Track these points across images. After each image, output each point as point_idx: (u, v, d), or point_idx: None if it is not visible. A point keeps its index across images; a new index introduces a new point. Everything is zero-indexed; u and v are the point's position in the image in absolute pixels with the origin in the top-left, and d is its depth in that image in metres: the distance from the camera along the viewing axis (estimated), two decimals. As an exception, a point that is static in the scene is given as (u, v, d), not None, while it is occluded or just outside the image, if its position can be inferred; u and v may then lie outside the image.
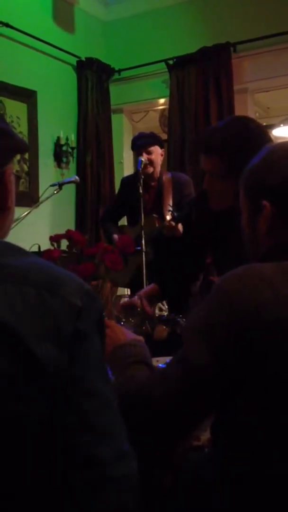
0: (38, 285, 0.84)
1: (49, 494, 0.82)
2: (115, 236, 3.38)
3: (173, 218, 2.76)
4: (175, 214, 2.73)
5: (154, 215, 3.47)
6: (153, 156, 3.46)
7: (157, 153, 3.49)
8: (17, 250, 0.91)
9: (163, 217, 3.40)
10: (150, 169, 3.46)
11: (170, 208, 3.05)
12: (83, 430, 0.83)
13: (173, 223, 2.78)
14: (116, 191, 5.00)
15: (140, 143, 3.47)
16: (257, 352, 0.94)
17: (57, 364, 0.81)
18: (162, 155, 3.55)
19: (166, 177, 3.57)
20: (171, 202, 3.44)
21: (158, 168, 3.52)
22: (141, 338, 1.34)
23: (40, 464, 0.82)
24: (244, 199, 1.17)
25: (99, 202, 4.86)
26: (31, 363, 0.79)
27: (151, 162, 3.45)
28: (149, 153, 3.45)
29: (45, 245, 2.27)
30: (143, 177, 3.16)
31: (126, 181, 3.78)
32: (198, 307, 1.03)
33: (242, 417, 0.99)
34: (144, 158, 3.38)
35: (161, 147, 3.53)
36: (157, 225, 3.40)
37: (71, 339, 0.83)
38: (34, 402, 0.80)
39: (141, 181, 3.11)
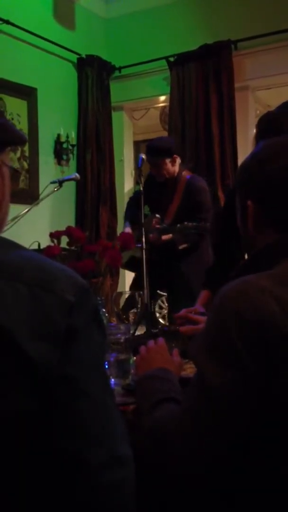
0: (31, 282, 0.82)
1: (42, 495, 0.81)
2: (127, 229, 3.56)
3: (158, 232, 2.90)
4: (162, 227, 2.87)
5: (157, 215, 3.52)
6: (161, 170, 3.55)
7: (165, 164, 3.55)
8: (8, 244, 0.90)
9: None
10: (160, 179, 3.57)
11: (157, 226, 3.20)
12: (73, 432, 0.81)
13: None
14: (117, 188, 5.02)
15: (148, 160, 3.52)
16: (273, 362, 0.90)
17: (49, 362, 0.79)
18: (174, 160, 3.59)
19: (183, 179, 3.64)
20: (176, 207, 3.58)
21: (172, 172, 3.59)
22: (174, 362, 1.32)
23: (34, 464, 0.81)
24: (237, 200, 1.16)
25: (99, 199, 4.86)
26: (23, 362, 0.78)
27: (159, 175, 3.55)
28: (157, 167, 3.54)
29: (45, 243, 2.26)
30: (143, 174, 3.16)
31: (148, 176, 3.85)
32: (202, 332, 0.99)
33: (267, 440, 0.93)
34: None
35: (171, 156, 3.56)
36: (154, 225, 3.49)
37: (65, 336, 0.81)
38: (27, 401, 0.78)
39: (141, 178, 3.11)
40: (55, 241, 2.18)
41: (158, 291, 4.00)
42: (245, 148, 4.42)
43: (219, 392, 0.92)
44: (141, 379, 1.22)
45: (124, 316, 1.76)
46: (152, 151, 3.54)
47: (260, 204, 1.08)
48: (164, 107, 5.47)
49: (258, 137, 1.90)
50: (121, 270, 3.95)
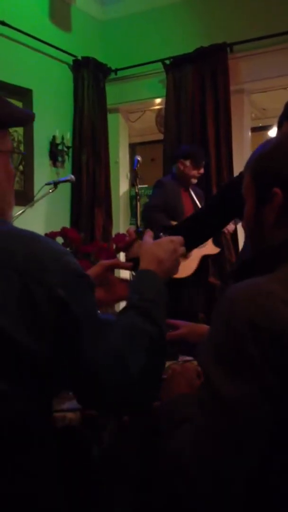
0: (21, 271, 0.82)
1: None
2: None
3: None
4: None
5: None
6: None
7: None
8: None
9: None
10: (195, 181, 3.94)
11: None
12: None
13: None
14: (112, 190, 5.01)
15: (202, 164, 3.95)
16: None
17: (48, 344, 0.80)
18: None
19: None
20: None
21: None
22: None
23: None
24: (250, 185, 1.08)
25: (95, 201, 4.85)
26: (15, 352, 0.78)
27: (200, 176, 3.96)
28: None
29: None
30: (139, 176, 3.15)
31: (167, 182, 3.98)
32: (209, 341, 0.93)
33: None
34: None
35: None
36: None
37: (58, 331, 0.82)
38: (29, 395, 0.79)
39: (137, 180, 3.11)
40: (50, 242, 2.17)
41: None
42: (240, 150, 4.43)
43: (236, 406, 0.86)
44: (163, 405, 1.14)
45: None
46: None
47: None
48: (159, 109, 5.47)
49: (284, 117, 1.85)
50: (116, 271, 3.95)
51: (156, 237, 1.21)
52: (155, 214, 3.83)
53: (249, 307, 0.88)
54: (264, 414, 0.85)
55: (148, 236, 1.21)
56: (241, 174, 1.19)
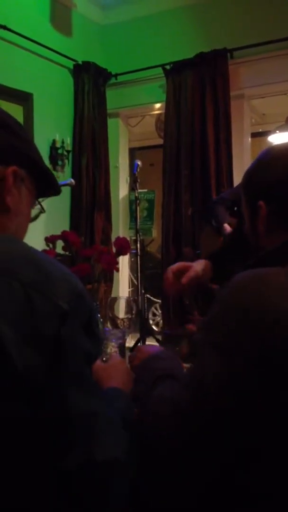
0: (25, 282, 0.80)
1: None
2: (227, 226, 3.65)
3: None
4: None
5: None
6: None
7: None
8: (4, 238, 0.90)
9: None
10: None
11: None
12: (52, 439, 0.80)
13: None
14: (112, 195, 5.01)
15: None
16: (280, 371, 0.86)
17: (33, 369, 0.77)
18: None
19: None
20: None
21: None
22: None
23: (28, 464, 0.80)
24: (244, 203, 1.17)
25: (94, 205, 4.86)
26: (6, 365, 0.76)
27: None
28: None
29: (39, 249, 2.25)
30: (138, 180, 3.18)
31: None
32: (208, 323, 0.95)
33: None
34: None
35: None
36: None
37: (53, 344, 0.79)
38: (18, 408, 0.77)
39: (137, 184, 3.13)
40: (51, 245, 2.18)
41: (151, 297, 4.01)
42: (240, 156, 4.44)
43: (216, 387, 0.88)
44: (141, 361, 1.20)
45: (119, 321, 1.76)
46: None
47: (273, 203, 1.08)
48: (159, 114, 5.49)
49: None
50: (115, 275, 3.95)
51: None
52: (219, 207, 3.82)
53: (251, 296, 0.90)
54: (246, 404, 0.86)
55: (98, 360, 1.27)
56: None
